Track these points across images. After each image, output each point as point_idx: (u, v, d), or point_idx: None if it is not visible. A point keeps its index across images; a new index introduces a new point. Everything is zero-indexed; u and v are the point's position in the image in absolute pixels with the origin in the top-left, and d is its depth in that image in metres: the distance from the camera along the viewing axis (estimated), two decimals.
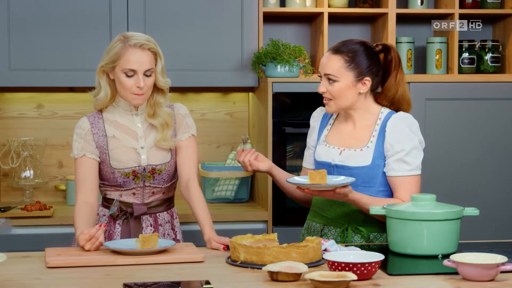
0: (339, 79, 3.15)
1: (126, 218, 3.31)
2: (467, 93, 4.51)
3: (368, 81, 3.16)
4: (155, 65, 3.23)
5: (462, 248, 2.90)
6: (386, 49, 3.25)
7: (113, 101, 3.29)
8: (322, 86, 3.19)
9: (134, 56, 3.17)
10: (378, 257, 2.54)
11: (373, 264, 2.48)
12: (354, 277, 2.39)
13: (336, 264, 2.49)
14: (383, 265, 2.69)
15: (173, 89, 4.62)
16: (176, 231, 3.41)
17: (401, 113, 3.19)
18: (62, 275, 2.61)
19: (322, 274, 2.40)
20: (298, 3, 4.60)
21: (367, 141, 3.18)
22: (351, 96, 3.16)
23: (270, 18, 4.76)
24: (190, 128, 3.37)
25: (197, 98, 4.82)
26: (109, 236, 3.31)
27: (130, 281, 2.51)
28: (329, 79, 3.16)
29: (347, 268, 2.47)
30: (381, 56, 3.26)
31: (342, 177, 3.07)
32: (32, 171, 4.56)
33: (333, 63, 3.16)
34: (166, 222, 3.37)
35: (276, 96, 4.38)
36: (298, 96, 4.41)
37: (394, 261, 2.82)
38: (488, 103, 4.52)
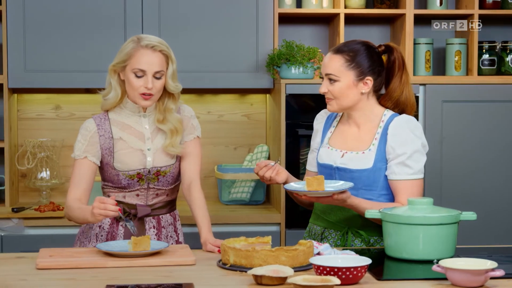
0: (339, 79, 3.10)
1: (130, 219, 3.30)
2: (486, 95, 4.41)
3: (369, 80, 3.12)
4: (166, 68, 3.21)
5: (460, 253, 2.84)
6: (389, 49, 3.20)
7: (121, 102, 3.29)
8: (323, 86, 3.15)
9: (145, 57, 3.16)
10: (365, 261, 2.49)
11: (359, 268, 2.44)
12: (338, 281, 2.35)
13: (321, 268, 2.45)
14: (378, 270, 2.64)
15: (189, 91, 4.66)
16: (179, 233, 3.39)
17: (404, 115, 3.14)
18: (49, 276, 2.61)
19: (306, 279, 2.37)
20: (314, 4, 4.55)
21: (369, 143, 3.14)
22: (352, 96, 3.12)
23: (286, 19, 4.72)
24: (195, 130, 3.35)
25: (214, 99, 4.81)
26: (112, 238, 3.30)
27: (115, 283, 2.50)
28: (330, 79, 3.13)
29: (332, 273, 2.43)
30: (385, 57, 3.21)
31: (341, 182, 3.02)
32: (48, 172, 4.59)
33: (333, 63, 3.12)
34: (169, 224, 3.36)
35: (291, 97, 4.34)
36: (312, 98, 4.36)
37: (388, 265, 2.77)
38: (508, 105, 4.43)
